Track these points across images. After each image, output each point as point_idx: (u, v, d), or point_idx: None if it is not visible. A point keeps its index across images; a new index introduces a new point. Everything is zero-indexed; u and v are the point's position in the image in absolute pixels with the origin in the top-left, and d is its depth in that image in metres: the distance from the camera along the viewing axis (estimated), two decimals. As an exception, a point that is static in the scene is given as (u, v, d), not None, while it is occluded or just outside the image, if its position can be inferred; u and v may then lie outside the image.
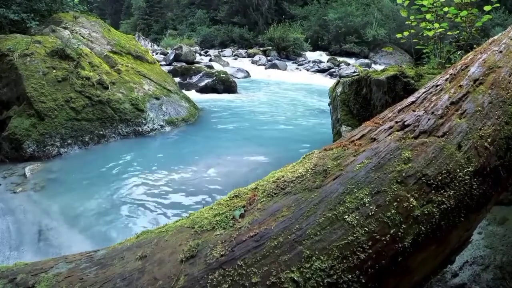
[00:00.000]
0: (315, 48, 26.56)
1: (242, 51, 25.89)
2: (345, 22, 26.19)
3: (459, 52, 3.69)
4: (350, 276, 1.06)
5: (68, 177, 4.62)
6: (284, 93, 12.14)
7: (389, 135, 1.36)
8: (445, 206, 1.20)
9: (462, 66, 1.67)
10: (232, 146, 5.97)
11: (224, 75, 11.37)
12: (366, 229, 1.11)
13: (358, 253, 1.08)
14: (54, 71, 5.67)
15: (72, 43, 6.20)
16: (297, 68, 20.28)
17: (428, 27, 3.87)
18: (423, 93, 1.57)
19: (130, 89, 6.58)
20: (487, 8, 3.56)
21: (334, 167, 1.29)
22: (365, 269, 1.08)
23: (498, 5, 3.53)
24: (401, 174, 1.21)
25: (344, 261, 1.07)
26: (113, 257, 1.23)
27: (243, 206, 1.24)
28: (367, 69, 15.30)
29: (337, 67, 19.14)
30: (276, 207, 1.20)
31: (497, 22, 19.06)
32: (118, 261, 1.20)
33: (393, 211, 1.14)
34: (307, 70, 19.66)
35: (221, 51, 26.93)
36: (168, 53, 18.66)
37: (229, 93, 10.92)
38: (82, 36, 7.01)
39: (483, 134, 1.36)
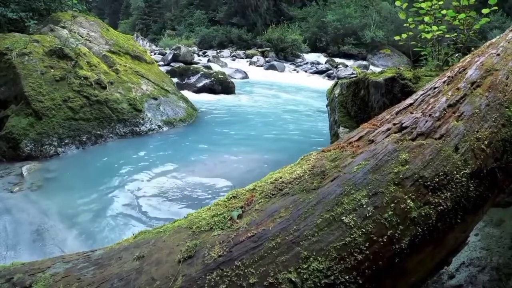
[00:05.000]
0: (313, 49, 26.63)
1: (240, 52, 25.96)
2: (344, 23, 26.27)
3: (457, 55, 3.70)
4: (347, 277, 1.07)
5: (65, 177, 4.61)
6: (282, 95, 12.15)
7: (386, 137, 1.37)
8: (442, 207, 1.20)
9: (460, 69, 1.68)
10: (230, 147, 5.97)
11: (222, 76, 11.37)
12: (364, 230, 1.12)
13: (356, 254, 1.09)
14: (52, 70, 5.66)
15: (71, 43, 6.18)
16: (295, 70, 20.32)
17: (426, 30, 3.88)
18: (421, 95, 1.58)
19: (128, 89, 6.57)
20: (485, 11, 3.57)
21: (332, 168, 1.29)
22: (362, 270, 1.08)
23: (496, 8, 3.53)
24: (399, 176, 1.22)
25: (342, 262, 1.08)
26: (111, 257, 1.23)
27: (241, 207, 1.24)
28: (365, 71, 15.36)
29: (335, 69, 19.21)
30: (274, 208, 1.20)
31: (495, 24, 19.16)
32: (115, 261, 1.20)
33: (390, 212, 1.15)
34: (305, 71, 19.72)
35: (220, 51, 27.00)
36: (166, 53, 18.69)
37: (227, 94, 10.91)
38: (80, 36, 7.00)
39: (480, 136, 1.37)
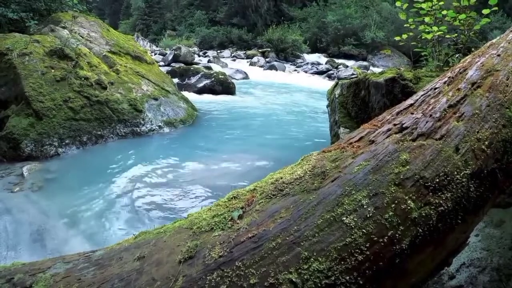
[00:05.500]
0: (313, 50, 26.64)
1: (240, 53, 25.97)
2: (344, 24, 26.28)
3: (457, 55, 3.70)
4: (348, 277, 1.07)
5: (66, 177, 4.61)
6: (282, 95, 12.15)
7: (387, 137, 1.37)
8: (442, 208, 1.20)
9: (460, 69, 1.68)
10: (230, 147, 5.97)
11: (222, 76, 11.37)
12: (364, 231, 1.12)
13: (356, 255, 1.09)
14: (53, 70, 5.66)
15: (71, 43, 6.18)
16: (295, 70, 20.32)
17: (426, 30, 3.88)
18: (422, 95, 1.58)
19: (129, 90, 6.57)
20: (485, 11, 3.57)
21: (333, 169, 1.29)
22: (363, 271, 1.08)
23: (496, 8, 3.53)
24: (399, 176, 1.22)
25: (342, 262, 1.08)
26: (111, 257, 1.23)
27: (242, 208, 1.24)
28: (366, 71, 15.36)
29: (335, 69, 19.21)
30: (274, 208, 1.20)
31: (495, 25, 19.16)
32: (116, 262, 1.20)
33: (391, 213, 1.15)
34: (306, 72, 19.71)
35: (220, 52, 27.01)
36: (166, 53, 18.72)
37: (227, 94, 10.91)
38: (81, 36, 7.00)
39: (480, 137, 1.37)
